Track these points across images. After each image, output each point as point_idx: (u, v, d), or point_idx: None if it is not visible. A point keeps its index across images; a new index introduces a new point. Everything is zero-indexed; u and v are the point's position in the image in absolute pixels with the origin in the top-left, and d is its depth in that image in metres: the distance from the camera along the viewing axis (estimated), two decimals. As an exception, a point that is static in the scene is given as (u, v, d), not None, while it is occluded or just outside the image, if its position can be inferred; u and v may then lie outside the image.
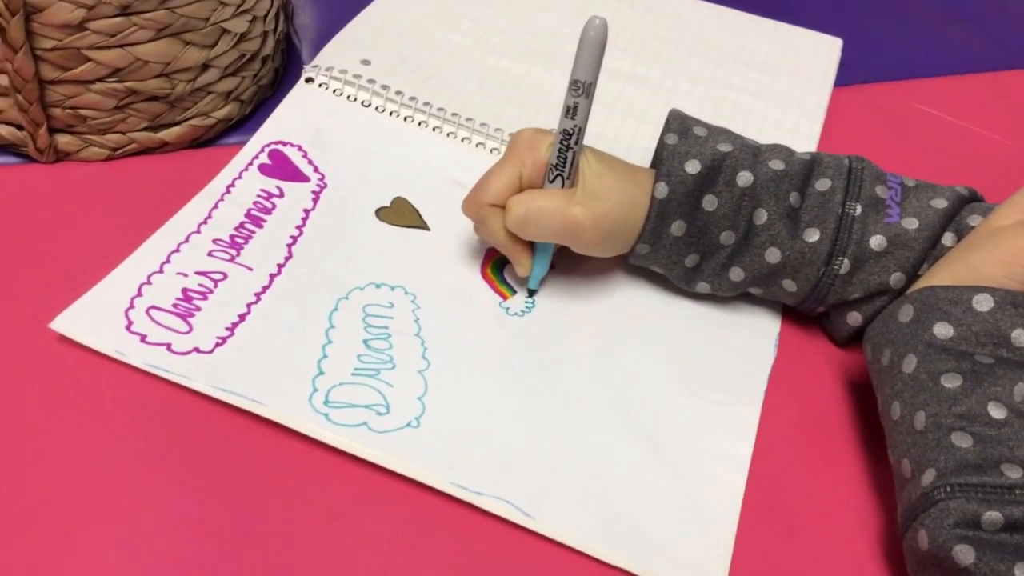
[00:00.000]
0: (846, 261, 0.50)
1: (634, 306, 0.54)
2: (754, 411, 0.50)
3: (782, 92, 0.70)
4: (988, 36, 0.79)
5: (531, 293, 0.54)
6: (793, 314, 0.55)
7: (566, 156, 0.49)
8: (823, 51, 0.74)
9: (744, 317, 0.55)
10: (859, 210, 0.50)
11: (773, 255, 0.51)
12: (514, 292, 0.54)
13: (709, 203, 0.50)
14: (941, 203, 0.50)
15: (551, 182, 0.49)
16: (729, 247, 0.51)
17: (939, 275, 0.46)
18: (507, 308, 0.53)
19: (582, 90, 0.47)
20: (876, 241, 0.50)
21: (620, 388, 0.50)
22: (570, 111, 0.48)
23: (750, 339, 0.53)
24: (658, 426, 0.48)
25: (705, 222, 0.50)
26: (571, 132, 0.48)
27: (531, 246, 0.52)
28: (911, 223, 0.50)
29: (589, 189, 0.49)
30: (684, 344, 0.53)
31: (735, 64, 0.72)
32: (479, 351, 0.50)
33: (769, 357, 0.52)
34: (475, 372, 0.49)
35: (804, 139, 0.66)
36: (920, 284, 0.47)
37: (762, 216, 0.50)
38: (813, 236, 0.50)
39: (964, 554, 0.38)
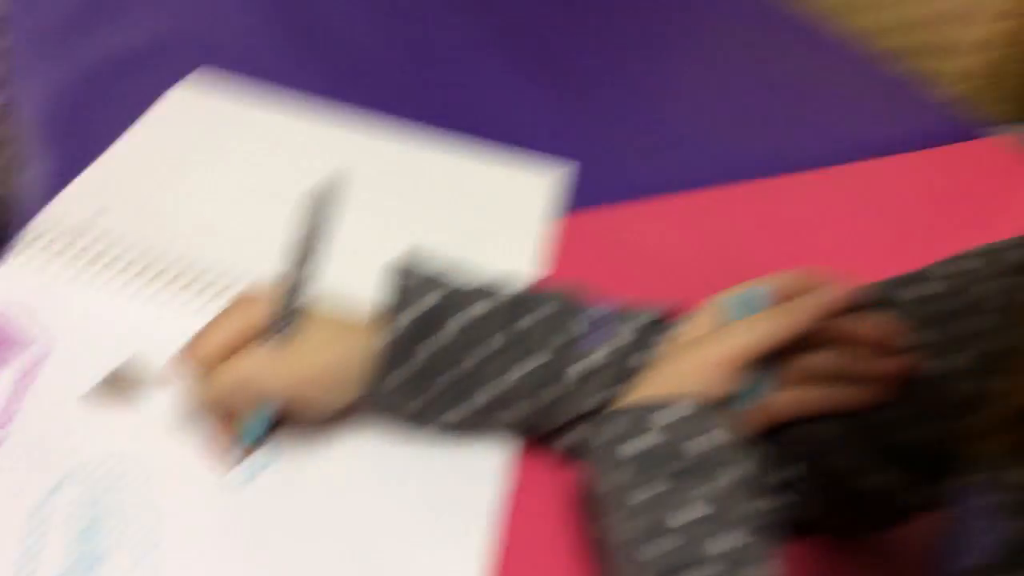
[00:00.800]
0: (560, 384, 0.53)
1: (366, 454, 0.56)
2: (482, 540, 0.53)
3: (504, 221, 0.74)
4: (699, 156, 0.87)
5: (248, 450, 0.54)
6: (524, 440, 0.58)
7: (282, 321, 0.50)
8: (545, 182, 0.79)
9: (473, 448, 0.57)
10: (567, 337, 0.54)
11: (492, 389, 0.53)
12: (246, 456, 0.54)
13: (424, 350, 0.53)
14: (633, 326, 0.55)
15: (269, 340, 0.50)
16: (447, 391, 0.54)
17: (636, 393, 0.50)
18: (235, 475, 0.53)
19: (302, 250, 0.50)
20: (579, 367, 0.54)
21: (353, 547, 0.51)
22: (291, 267, 0.50)
23: (484, 470, 0.56)
24: (393, 567, 0.50)
25: (424, 368, 0.53)
26: (291, 288, 0.50)
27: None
28: (617, 342, 0.54)
29: (297, 353, 0.50)
30: (410, 492, 0.55)
31: (453, 203, 0.75)
32: (206, 527, 0.51)
33: (499, 485, 0.56)
34: (204, 548, 0.50)
35: (528, 266, 0.70)
36: (616, 404, 0.51)
37: (477, 354, 0.53)
38: (529, 365, 0.53)
39: None
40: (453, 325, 0.54)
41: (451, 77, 0.92)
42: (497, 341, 0.54)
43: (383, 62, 0.91)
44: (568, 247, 0.74)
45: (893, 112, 1.01)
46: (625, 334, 0.55)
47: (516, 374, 0.54)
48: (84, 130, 0.74)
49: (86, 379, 0.57)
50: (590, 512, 0.50)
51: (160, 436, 0.55)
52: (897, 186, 0.89)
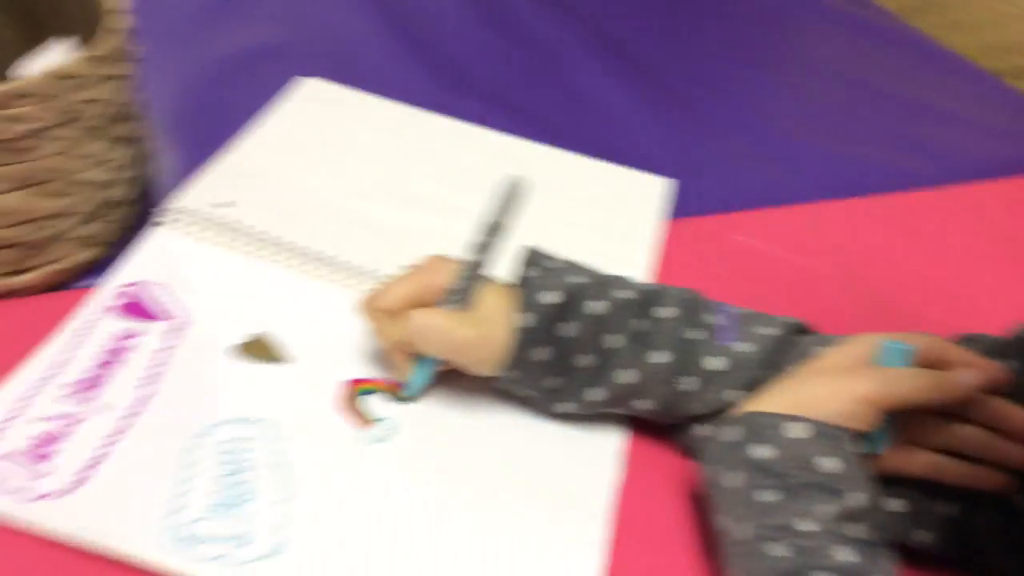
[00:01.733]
0: (691, 379, 0.55)
1: (488, 431, 0.57)
2: (600, 526, 0.53)
3: (616, 229, 0.76)
4: (805, 171, 0.89)
5: (408, 399, 0.58)
6: (640, 427, 0.59)
7: (466, 284, 0.54)
8: (653, 191, 0.82)
9: (591, 434, 0.58)
10: (698, 335, 0.56)
11: (626, 376, 0.55)
12: (374, 422, 0.56)
13: (567, 330, 0.55)
14: (769, 330, 0.56)
15: (447, 304, 0.54)
16: (587, 370, 0.55)
17: (770, 399, 0.51)
18: (366, 438, 0.55)
19: (490, 231, 0.55)
20: (715, 363, 0.55)
21: (474, 512, 0.52)
22: (477, 246, 0.55)
23: (598, 456, 0.57)
24: (513, 546, 0.51)
25: (564, 348, 0.55)
26: (473, 264, 0.54)
27: (416, 355, 0.56)
28: (744, 347, 0.56)
29: (481, 314, 0.54)
30: (535, 464, 0.56)
31: (571, 204, 0.78)
32: (339, 482, 0.52)
33: (615, 472, 0.56)
34: (334, 502, 0.51)
35: (638, 272, 0.72)
36: (752, 406, 0.51)
37: (614, 341, 0.55)
38: (661, 358, 0.55)
39: None
40: (596, 307, 0.55)
41: (557, 88, 0.95)
42: (636, 326, 0.55)
43: (491, 75, 0.94)
44: (672, 255, 0.75)
45: (1013, 132, 1.01)
46: (765, 336, 0.56)
47: (654, 360, 0.55)
48: (211, 123, 0.77)
49: (223, 346, 0.59)
50: (711, 504, 0.51)
51: (297, 395, 0.57)
52: (1014, 209, 0.88)
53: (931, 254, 0.82)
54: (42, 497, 0.47)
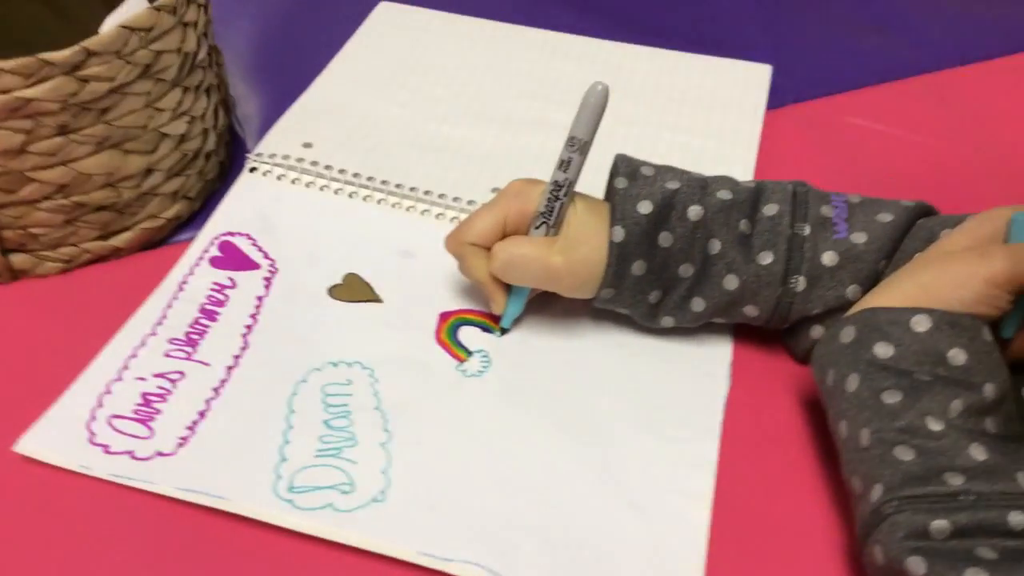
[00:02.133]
0: (802, 279, 0.51)
1: (588, 353, 0.55)
2: (713, 443, 0.51)
3: (716, 125, 0.71)
4: (911, 39, 0.81)
5: (503, 332, 0.56)
6: (745, 336, 0.56)
7: (553, 206, 0.52)
8: (752, 79, 0.76)
9: (697, 348, 0.56)
10: (807, 230, 0.52)
11: (731, 282, 0.52)
12: (470, 353, 0.55)
13: (665, 240, 0.52)
14: (887, 217, 0.52)
15: (536, 228, 0.52)
16: (688, 279, 0.53)
17: (889, 292, 0.47)
18: (464, 371, 0.54)
19: (577, 146, 0.51)
20: (828, 257, 0.51)
21: (581, 437, 0.51)
22: (563, 164, 0.51)
23: (704, 370, 0.54)
24: (622, 470, 0.49)
25: (663, 258, 0.52)
26: (561, 184, 0.51)
27: (507, 286, 0.55)
28: (860, 237, 0.51)
29: (571, 237, 0.52)
30: (640, 383, 0.54)
31: (667, 103, 0.73)
32: (439, 417, 0.52)
33: (723, 387, 0.54)
34: (437, 439, 0.50)
35: (741, 168, 0.67)
36: (868, 301, 0.48)
37: (716, 246, 0.52)
38: (767, 259, 0.51)
39: (916, 565, 0.39)
40: (694, 212, 0.52)
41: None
42: (740, 228, 0.52)
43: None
44: (779, 147, 0.70)
45: None
46: (883, 223, 0.52)
47: (766, 260, 0.51)
48: (292, 60, 0.76)
49: (317, 289, 0.58)
50: (829, 410, 0.47)
51: (392, 333, 0.56)
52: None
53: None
54: (151, 457, 0.48)
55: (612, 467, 0.49)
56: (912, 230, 0.52)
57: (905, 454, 0.42)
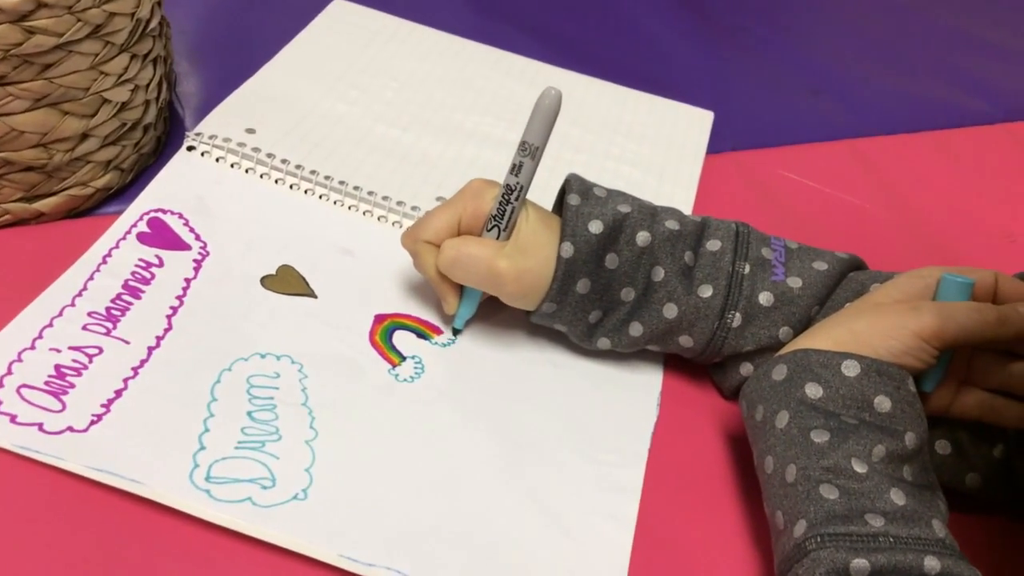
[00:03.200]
0: (738, 315, 0.52)
1: (522, 368, 0.55)
2: (639, 469, 0.51)
3: (658, 162, 0.73)
4: (845, 105, 0.85)
5: (455, 332, 0.56)
6: (675, 368, 0.57)
7: (505, 209, 0.51)
8: (695, 123, 0.78)
9: (629, 375, 0.56)
10: (747, 268, 0.53)
11: (670, 310, 0.53)
12: (403, 359, 0.54)
13: (611, 261, 0.52)
14: (822, 265, 0.54)
15: (488, 231, 0.52)
16: (629, 303, 0.53)
17: (822, 335, 0.48)
18: (396, 375, 0.53)
19: (529, 151, 0.51)
20: (764, 297, 0.53)
21: (510, 452, 0.50)
22: (515, 168, 0.51)
23: (634, 397, 0.55)
24: (547, 487, 0.49)
25: (607, 280, 0.53)
26: (512, 188, 0.51)
27: (460, 288, 0.54)
28: (795, 282, 0.53)
29: (521, 244, 0.51)
30: (571, 404, 0.54)
31: (613, 135, 0.75)
32: (368, 419, 0.50)
33: (652, 415, 0.54)
34: (364, 441, 0.49)
35: (680, 206, 0.69)
36: (801, 342, 0.49)
37: (660, 273, 0.53)
38: (707, 292, 0.52)
39: None
40: (642, 238, 0.53)
41: (594, 16, 0.91)
42: (684, 259, 0.53)
43: (528, 2, 0.91)
44: (715, 190, 0.72)
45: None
46: (818, 271, 0.54)
47: (706, 293, 0.52)
48: (240, 45, 0.75)
49: (248, 278, 0.56)
50: (755, 445, 0.48)
51: (323, 331, 0.55)
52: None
53: (985, 193, 0.78)
54: (61, 431, 0.46)
55: (539, 484, 0.49)
56: (844, 281, 0.54)
57: (830, 492, 0.43)
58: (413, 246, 0.54)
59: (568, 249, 0.52)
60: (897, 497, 0.43)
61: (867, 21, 1.00)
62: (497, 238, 0.52)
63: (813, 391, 0.46)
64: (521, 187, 0.51)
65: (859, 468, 0.43)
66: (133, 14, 0.55)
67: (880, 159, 0.79)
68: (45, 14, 0.49)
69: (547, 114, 0.50)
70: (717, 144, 0.77)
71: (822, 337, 0.48)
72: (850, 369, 0.46)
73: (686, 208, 0.69)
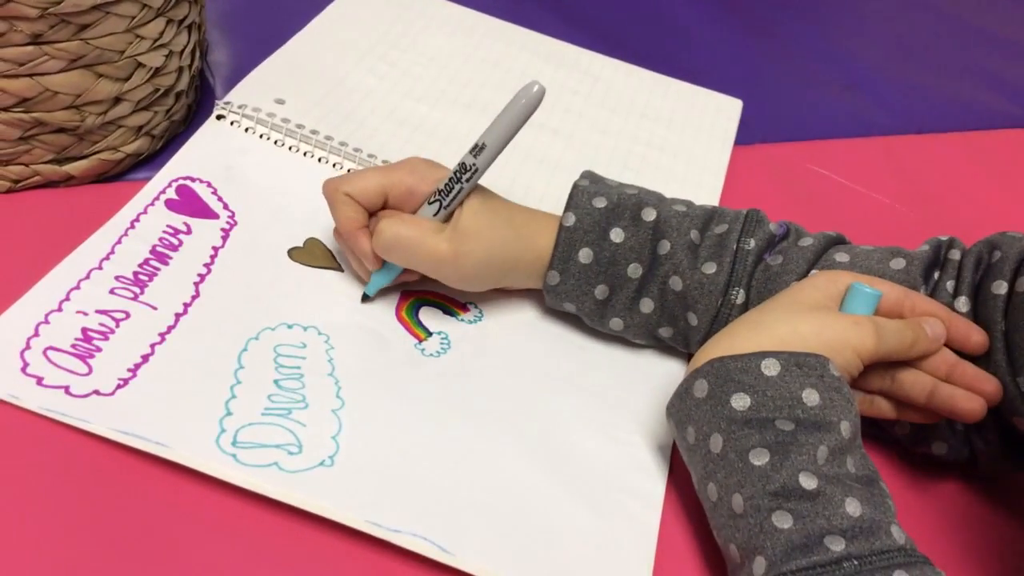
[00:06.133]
0: (741, 292, 0.52)
1: (547, 348, 0.55)
2: (665, 451, 0.51)
3: (686, 148, 0.73)
4: (876, 102, 0.84)
5: (366, 298, 0.55)
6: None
7: (452, 188, 0.50)
8: (724, 111, 0.78)
9: (653, 359, 0.56)
10: (752, 244, 0.52)
11: (676, 283, 0.52)
12: (429, 334, 0.54)
13: (616, 235, 0.52)
14: (807, 241, 0.54)
15: (429, 204, 0.51)
16: (636, 280, 0.53)
17: (744, 339, 0.46)
18: (422, 349, 0.53)
19: (495, 137, 0.49)
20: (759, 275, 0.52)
21: (534, 428, 0.50)
22: (476, 149, 0.50)
23: (658, 383, 0.54)
24: (573, 464, 0.49)
25: (612, 253, 0.52)
26: (468, 168, 0.50)
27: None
28: (776, 260, 0.53)
29: (461, 227, 0.50)
30: (597, 386, 0.54)
31: (642, 119, 0.74)
32: (395, 391, 0.50)
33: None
34: (391, 412, 0.49)
35: (707, 193, 0.69)
36: (717, 350, 0.46)
37: (665, 247, 0.52)
38: (711, 268, 0.52)
39: None
40: (651, 213, 0.53)
41: (628, 6, 0.90)
42: (695, 236, 0.53)
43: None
44: (741, 181, 0.72)
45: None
46: (803, 246, 0.53)
47: (710, 269, 0.52)
48: (270, 16, 0.74)
49: (275, 249, 0.56)
50: (697, 467, 0.46)
51: (349, 303, 0.55)
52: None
53: (1015, 196, 0.77)
54: (88, 394, 0.45)
55: (564, 461, 0.49)
56: (824, 255, 0.53)
57: (783, 521, 0.41)
58: (332, 195, 0.52)
59: (570, 218, 0.52)
60: (852, 507, 0.41)
61: (899, 19, 0.99)
62: (435, 214, 0.51)
63: (740, 402, 0.44)
64: (476, 169, 0.50)
65: (808, 484, 0.41)
66: (171, -22, 0.54)
67: (909, 158, 0.79)
68: (85, -27, 0.49)
69: (523, 109, 0.48)
70: (746, 136, 0.76)
71: (743, 339, 0.46)
72: (770, 368, 0.44)
73: (714, 196, 0.69)
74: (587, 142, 0.71)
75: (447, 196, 0.50)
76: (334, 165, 0.62)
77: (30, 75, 0.51)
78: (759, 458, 0.42)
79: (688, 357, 0.56)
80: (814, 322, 0.46)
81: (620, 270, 0.53)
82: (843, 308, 0.48)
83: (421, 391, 0.51)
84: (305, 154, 0.62)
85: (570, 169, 0.66)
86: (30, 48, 0.50)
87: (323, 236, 0.58)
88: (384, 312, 0.55)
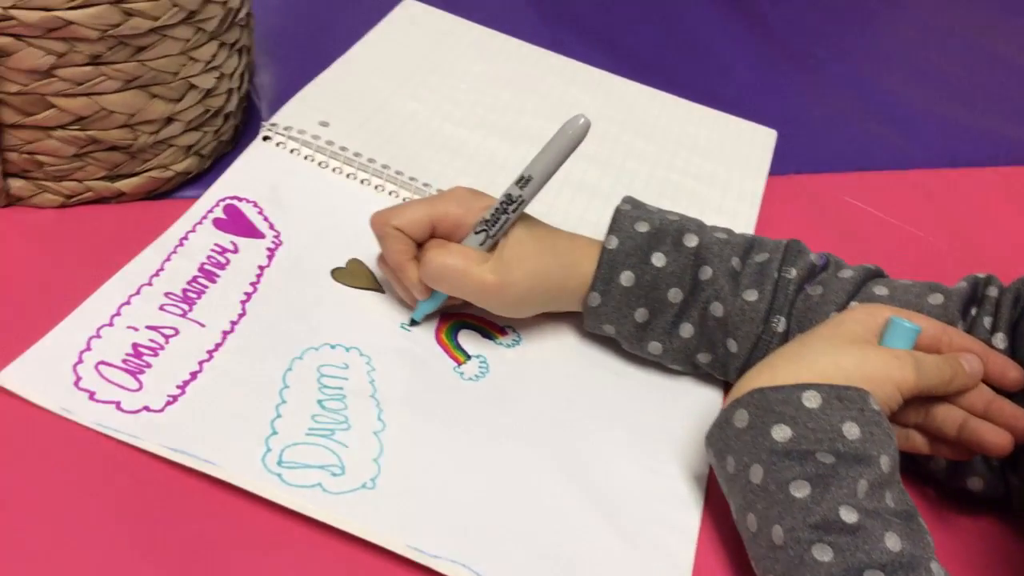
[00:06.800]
0: (782, 320, 0.52)
1: (584, 374, 0.56)
2: (701, 481, 0.51)
3: (721, 177, 0.73)
4: (910, 134, 0.85)
5: (413, 323, 0.56)
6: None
7: (499, 218, 0.51)
8: (759, 141, 0.78)
9: (690, 387, 0.56)
10: (793, 273, 0.53)
11: (717, 309, 0.53)
12: (468, 357, 0.55)
13: (658, 259, 0.53)
14: (847, 273, 0.54)
15: (475, 234, 0.52)
16: (677, 305, 0.54)
17: (784, 370, 0.46)
18: (461, 373, 0.54)
19: (541, 168, 0.50)
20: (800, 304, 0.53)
21: (571, 456, 0.51)
22: (522, 181, 0.51)
23: (696, 411, 0.55)
24: (610, 494, 0.49)
25: (653, 277, 0.53)
26: (514, 199, 0.51)
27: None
28: (816, 289, 0.53)
29: (506, 257, 0.51)
30: (632, 414, 0.54)
31: (677, 148, 0.75)
32: (434, 415, 0.51)
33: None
34: (431, 435, 0.50)
35: (742, 223, 0.69)
36: (759, 380, 0.46)
37: (707, 273, 0.53)
38: (752, 296, 0.53)
39: None
40: (693, 239, 0.53)
41: (660, 30, 0.91)
42: (736, 264, 0.53)
43: (597, 14, 0.91)
44: (776, 211, 0.72)
45: None
46: (843, 277, 0.54)
47: (751, 297, 0.52)
48: (315, 39, 0.75)
49: (319, 269, 0.57)
50: (736, 498, 0.46)
51: (390, 325, 0.55)
52: None
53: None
54: (138, 411, 0.46)
55: (601, 491, 0.49)
56: (863, 288, 0.54)
57: (823, 554, 0.41)
58: (382, 229, 0.53)
59: (612, 241, 0.53)
60: (892, 542, 0.41)
61: (935, 53, 1.00)
62: (482, 243, 0.52)
63: (781, 434, 0.44)
64: (522, 200, 0.51)
65: (848, 518, 0.41)
66: (225, 2, 0.56)
67: (944, 191, 0.79)
68: (144, -3, 0.50)
69: (570, 141, 0.50)
70: (780, 166, 0.77)
71: (804, 367, 0.46)
72: (811, 400, 0.44)
73: (749, 225, 0.69)
74: (623, 169, 0.71)
75: (493, 226, 0.51)
76: (376, 187, 0.63)
77: (87, 94, 0.52)
78: (800, 490, 0.43)
79: (724, 385, 0.57)
80: (855, 355, 0.47)
81: (660, 294, 0.53)
82: (882, 342, 0.49)
83: (460, 416, 0.51)
84: (348, 176, 0.63)
85: (606, 196, 0.67)
86: (88, 68, 0.51)
87: (365, 257, 0.59)
88: (424, 335, 0.55)
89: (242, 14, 0.59)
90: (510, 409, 0.52)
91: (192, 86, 0.56)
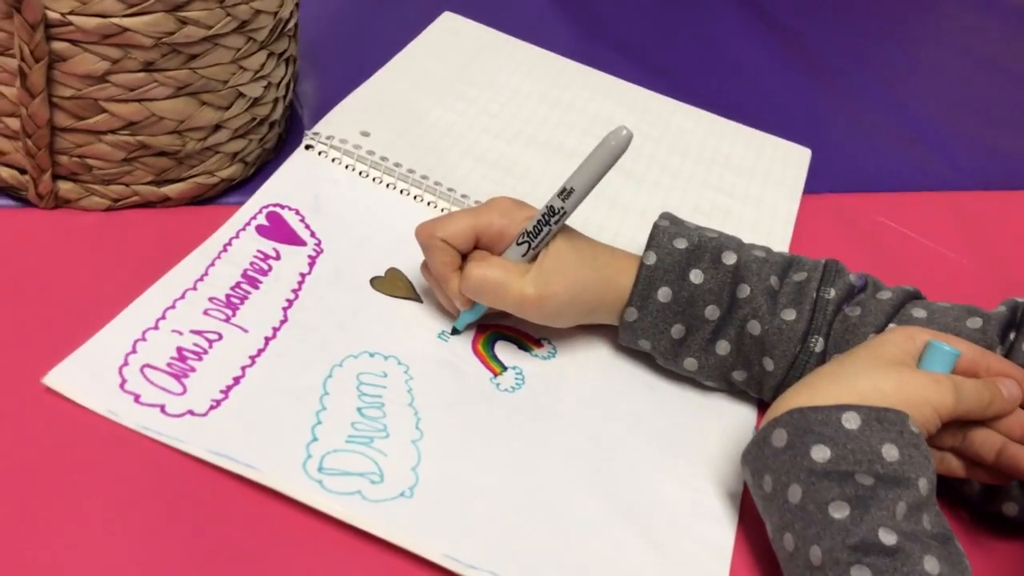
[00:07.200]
0: (820, 340, 0.53)
1: (619, 388, 0.56)
2: (735, 498, 0.51)
3: (756, 195, 0.73)
4: (943, 156, 0.85)
5: (455, 332, 0.56)
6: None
7: (541, 230, 0.52)
8: (793, 159, 0.79)
9: (725, 407, 0.57)
10: (832, 294, 0.53)
11: (754, 327, 0.53)
12: (504, 368, 0.55)
13: (696, 276, 0.53)
14: (886, 295, 0.55)
15: (517, 245, 0.52)
16: (714, 322, 0.54)
17: (824, 391, 0.47)
18: (497, 384, 0.54)
19: (583, 180, 0.51)
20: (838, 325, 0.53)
21: (606, 470, 0.51)
22: (565, 193, 0.51)
23: (730, 425, 0.55)
24: (643, 508, 0.50)
25: (691, 293, 0.53)
26: (556, 211, 0.51)
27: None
28: (855, 311, 0.54)
29: (545, 269, 0.52)
30: (667, 428, 0.54)
31: (712, 165, 0.75)
32: (471, 425, 0.51)
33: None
34: (468, 445, 0.50)
35: (777, 241, 0.69)
36: (797, 399, 0.47)
37: (745, 291, 0.53)
38: (790, 315, 0.53)
39: None
40: (732, 256, 0.54)
41: (694, 47, 0.92)
42: (774, 283, 0.54)
43: (633, 31, 0.92)
44: (809, 230, 0.72)
45: None
46: (882, 299, 0.54)
47: (789, 316, 0.53)
48: (356, 50, 0.76)
49: (359, 278, 0.58)
50: (773, 517, 0.46)
51: (429, 335, 0.56)
52: None
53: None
54: (182, 414, 0.47)
55: (635, 506, 0.50)
56: (902, 310, 0.54)
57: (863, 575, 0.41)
58: (428, 240, 0.53)
59: (651, 257, 0.53)
60: (930, 565, 0.41)
61: (968, 76, 1.00)
62: (524, 255, 0.52)
63: (820, 454, 0.44)
64: (564, 212, 0.51)
65: (887, 539, 0.41)
66: (276, 12, 0.57)
67: (976, 214, 0.79)
68: (198, 6, 0.51)
69: (612, 153, 0.50)
70: (815, 185, 0.77)
71: (844, 388, 0.46)
72: (851, 422, 0.44)
73: (783, 243, 0.69)
74: (659, 184, 0.72)
75: (535, 238, 0.52)
76: (415, 197, 0.64)
77: (139, 100, 0.53)
78: (839, 511, 0.43)
79: (759, 402, 0.57)
80: (894, 378, 0.47)
81: (698, 311, 0.54)
82: (921, 365, 0.49)
83: (496, 427, 0.52)
84: (389, 186, 0.64)
85: (641, 211, 0.68)
86: (141, 75, 0.52)
87: (404, 267, 0.59)
88: (462, 345, 0.56)
89: (291, 24, 0.60)
90: (545, 421, 0.53)
91: (240, 94, 0.57)
